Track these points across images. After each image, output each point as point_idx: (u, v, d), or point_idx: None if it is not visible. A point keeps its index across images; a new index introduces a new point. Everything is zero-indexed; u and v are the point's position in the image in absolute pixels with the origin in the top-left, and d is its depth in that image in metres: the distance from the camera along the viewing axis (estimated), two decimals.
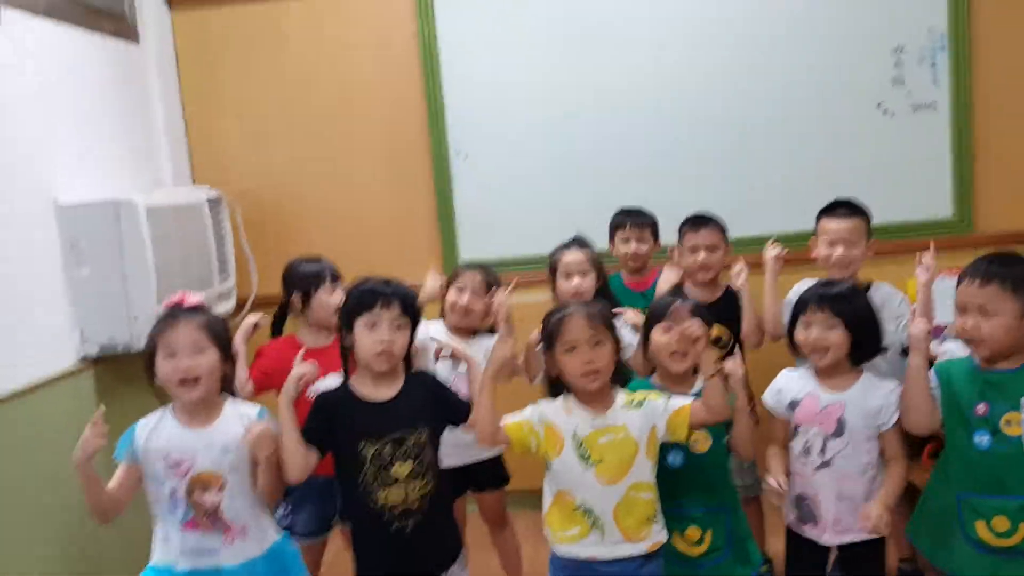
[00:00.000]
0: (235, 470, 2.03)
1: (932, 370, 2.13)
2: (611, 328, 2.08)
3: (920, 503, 2.16)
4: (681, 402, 2.05)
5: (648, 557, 2.04)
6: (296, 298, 2.71)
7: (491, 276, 2.74)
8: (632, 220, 3.04)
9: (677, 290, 2.78)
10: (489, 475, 2.78)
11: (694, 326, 2.11)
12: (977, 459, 1.99)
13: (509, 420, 2.07)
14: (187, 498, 2.00)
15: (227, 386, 2.10)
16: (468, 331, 2.74)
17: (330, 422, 2.09)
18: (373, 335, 2.07)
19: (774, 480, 2.17)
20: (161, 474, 2.00)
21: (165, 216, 2.90)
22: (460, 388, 2.62)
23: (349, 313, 2.11)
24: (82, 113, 2.97)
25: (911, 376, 2.10)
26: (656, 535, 2.04)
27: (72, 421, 2.65)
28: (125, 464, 2.02)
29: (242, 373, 2.57)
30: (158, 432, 2.01)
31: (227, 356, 2.06)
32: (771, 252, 2.76)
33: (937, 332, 2.80)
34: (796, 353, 2.28)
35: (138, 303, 2.74)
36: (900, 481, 2.16)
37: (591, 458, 2.02)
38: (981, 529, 1.98)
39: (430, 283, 2.84)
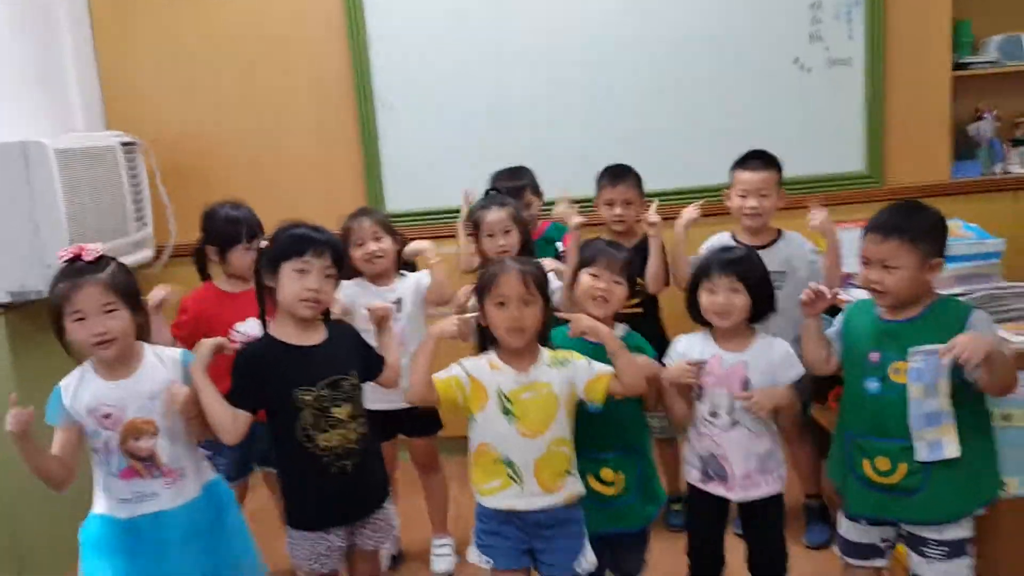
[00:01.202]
0: (166, 415, 2.01)
1: (841, 315, 2.22)
2: (543, 288, 2.11)
3: (831, 445, 2.25)
4: (602, 369, 2.10)
5: (575, 504, 2.11)
6: (212, 250, 2.66)
7: (378, 215, 2.75)
8: (511, 187, 3.04)
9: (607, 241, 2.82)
10: (421, 421, 2.80)
11: (618, 291, 2.20)
12: (866, 402, 2.08)
13: (436, 377, 2.10)
14: (120, 447, 1.97)
15: (142, 335, 2.05)
16: (386, 275, 2.75)
17: (257, 378, 2.06)
18: (302, 281, 2.05)
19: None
20: (93, 428, 1.97)
21: (76, 160, 2.82)
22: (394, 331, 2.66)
23: (276, 256, 2.07)
24: None
25: (807, 330, 2.21)
26: (571, 487, 2.10)
27: None
28: (61, 427, 1.97)
29: (164, 331, 2.52)
30: (83, 389, 1.97)
31: (137, 307, 2.01)
32: (690, 213, 2.81)
33: (845, 280, 2.92)
34: (697, 319, 2.33)
35: (51, 249, 2.63)
36: (789, 394, 2.25)
37: (514, 412, 2.06)
38: (866, 467, 2.08)
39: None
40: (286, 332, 2.10)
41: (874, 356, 2.07)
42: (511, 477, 2.06)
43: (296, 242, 2.07)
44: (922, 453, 2.00)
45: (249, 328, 2.50)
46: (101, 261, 1.98)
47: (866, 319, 2.14)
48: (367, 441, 2.15)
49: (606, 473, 2.20)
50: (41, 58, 3.18)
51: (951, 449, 1.99)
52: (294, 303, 2.07)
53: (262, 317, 2.17)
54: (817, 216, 2.69)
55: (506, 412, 2.06)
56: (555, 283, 2.55)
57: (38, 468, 1.91)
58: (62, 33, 3.34)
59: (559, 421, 2.07)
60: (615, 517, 2.22)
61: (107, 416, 1.96)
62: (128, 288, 1.99)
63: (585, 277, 2.25)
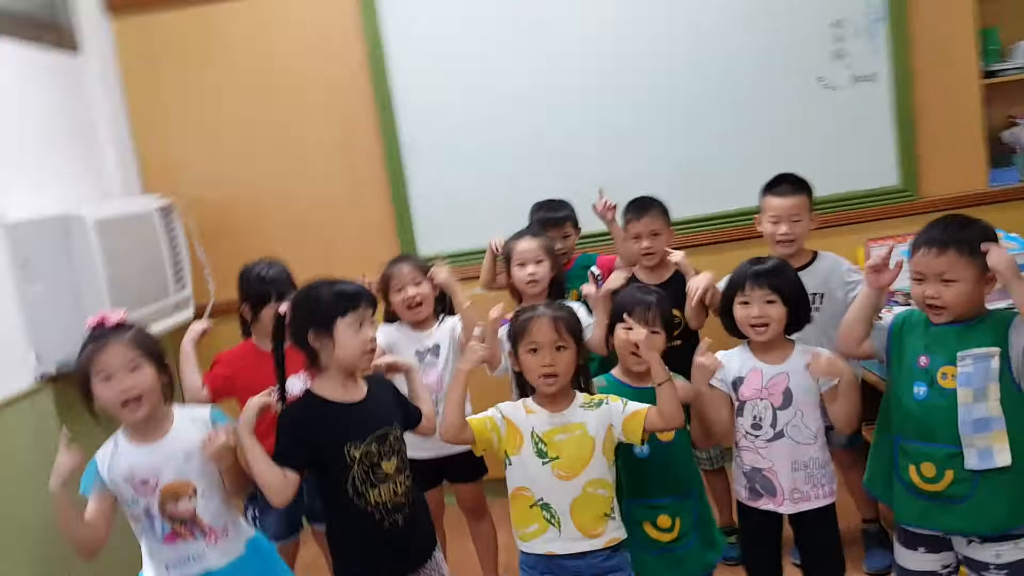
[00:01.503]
0: (203, 474, 2.02)
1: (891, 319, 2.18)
2: (576, 334, 2.11)
3: (870, 453, 2.22)
4: (638, 407, 2.08)
5: (613, 550, 2.08)
6: (245, 308, 2.69)
7: (417, 261, 2.79)
8: (552, 218, 3.07)
9: (637, 282, 2.81)
10: (466, 467, 2.80)
11: (656, 340, 2.17)
12: (914, 408, 2.04)
13: (472, 417, 2.10)
14: (162, 512, 1.99)
15: (168, 396, 2.07)
16: (427, 322, 2.77)
17: (305, 436, 2.06)
18: (361, 335, 2.06)
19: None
20: (131, 496, 1.99)
21: (115, 228, 2.87)
22: (430, 379, 2.69)
23: (329, 315, 2.05)
24: (25, 128, 2.92)
25: (859, 301, 2.17)
26: (612, 531, 2.07)
27: (33, 442, 2.64)
28: (96, 495, 1.99)
29: (195, 379, 2.56)
30: (117, 458, 1.99)
31: (162, 367, 2.03)
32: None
33: (887, 298, 2.87)
34: (733, 332, 2.32)
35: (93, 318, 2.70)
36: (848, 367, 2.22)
37: (548, 454, 2.05)
38: (912, 473, 2.04)
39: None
40: (329, 389, 2.10)
41: (923, 361, 2.04)
42: (548, 520, 2.05)
43: (349, 298, 2.07)
44: (972, 460, 1.95)
45: (290, 386, 2.51)
46: (123, 325, 2.02)
47: (918, 323, 2.10)
48: (414, 493, 2.16)
49: (663, 520, 2.19)
50: (76, 126, 3.27)
51: (1002, 457, 1.94)
52: (357, 357, 2.07)
53: (281, 381, 2.14)
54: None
55: (540, 454, 2.05)
56: (586, 319, 2.55)
57: (72, 531, 1.93)
58: (95, 100, 3.43)
59: (595, 462, 2.05)
60: (675, 564, 2.19)
61: (144, 482, 1.98)
62: (152, 346, 2.03)
63: (621, 333, 2.22)
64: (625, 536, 2.10)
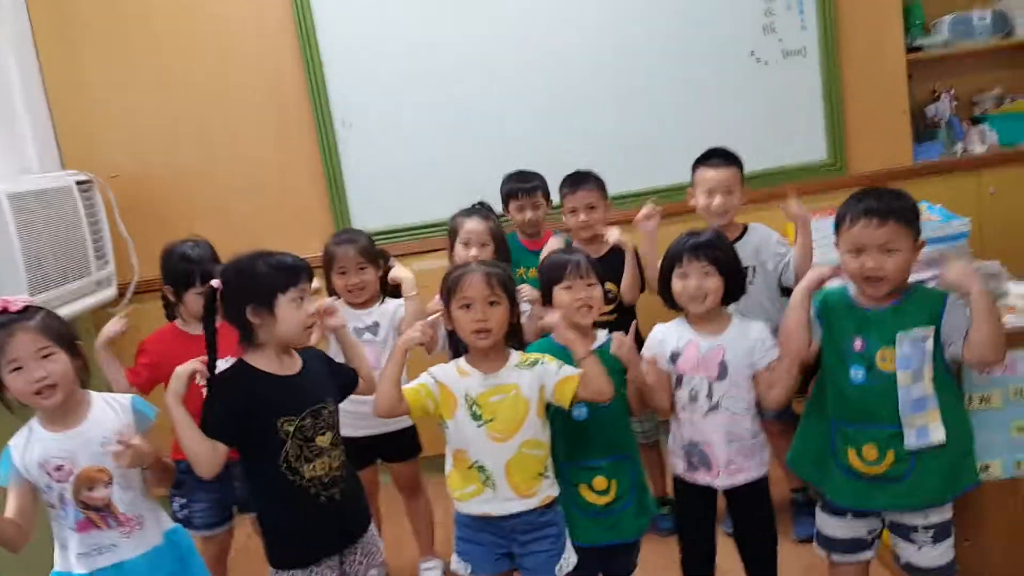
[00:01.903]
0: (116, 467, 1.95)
1: (813, 303, 2.20)
2: (509, 290, 2.10)
3: (798, 433, 2.24)
4: (571, 372, 2.08)
5: (551, 506, 2.10)
6: (168, 290, 2.59)
7: (363, 244, 2.71)
8: (523, 188, 3.05)
9: (567, 245, 2.81)
10: (401, 445, 2.79)
11: (593, 293, 2.20)
12: (852, 391, 2.07)
13: (405, 387, 2.08)
14: (74, 499, 1.92)
15: (84, 380, 1.99)
16: (367, 301, 2.73)
17: (236, 407, 1.99)
18: (302, 310, 2.01)
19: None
20: (45, 482, 1.91)
21: (31, 202, 2.76)
22: (368, 358, 2.62)
23: (270, 290, 1.98)
24: None
25: (794, 304, 2.15)
26: (546, 490, 2.09)
27: None
28: (14, 487, 1.92)
29: (120, 380, 2.47)
30: (31, 445, 1.92)
31: (75, 351, 1.95)
32: (642, 211, 2.75)
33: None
34: (671, 305, 2.34)
35: (8, 295, 2.55)
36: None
37: (483, 416, 2.05)
38: (852, 457, 2.07)
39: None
40: (265, 361, 2.03)
41: (858, 344, 2.06)
42: (483, 482, 2.06)
43: (289, 272, 2.01)
44: (911, 440, 1.99)
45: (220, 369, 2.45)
46: (29, 310, 1.93)
47: (843, 305, 2.12)
48: (347, 468, 2.13)
49: (599, 481, 2.19)
50: None
51: (937, 434, 1.99)
52: (299, 332, 2.03)
53: (212, 360, 2.05)
54: (794, 204, 2.66)
55: (475, 417, 2.05)
56: (524, 307, 2.54)
57: None
58: (10, 72, 3.28)
59: (530, 423, 2.06)
60: (608, 527, 2.20)
61: (59, 468, 1.91)
62: (62, 332, 1.94)
63: (560, 294, 2.22)
64: (558, 493, 2.12)
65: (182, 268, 2.53)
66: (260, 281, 1.98)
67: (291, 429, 1.99)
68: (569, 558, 2.12)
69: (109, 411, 1.99)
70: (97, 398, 2.00)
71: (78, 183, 3.12)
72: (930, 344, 1.97)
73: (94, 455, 1.93)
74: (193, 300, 2.51)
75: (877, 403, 2.03)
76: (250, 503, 2.50)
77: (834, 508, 2.15)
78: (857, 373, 2.06)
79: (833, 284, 2.26)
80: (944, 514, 2.05)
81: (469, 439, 2.06)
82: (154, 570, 2.00)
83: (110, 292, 3.27)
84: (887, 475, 2.03)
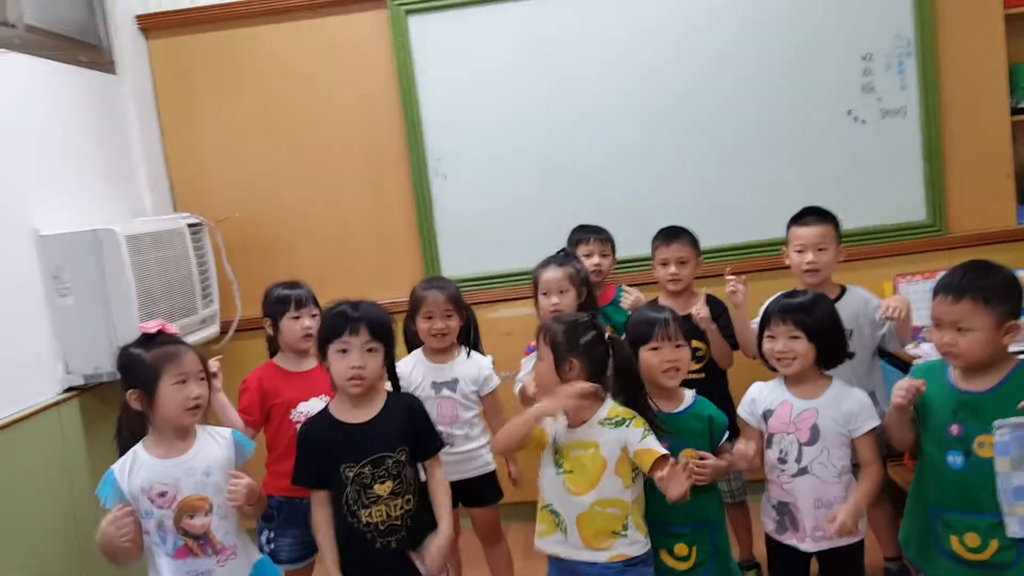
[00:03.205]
0: (220, 491, 2.04)
1: (909, 374, 2.15)
2: (554, 345, 2.10)
3: (905, 512, 2.18)
4: (651, 445, 2.05)
5: (628, 564, 2.07)
6: (267, 323, 2.73)
7: (451, 291, 2.73)
8: (594, 235, 3.08)
9: (653, 303, 2.81)
10: (482, 491, 2.79)
11: (684, 355, 2.21)
12: (950, 477, 2.01)
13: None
14: (175, 526, 2.00)
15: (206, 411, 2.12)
16: (446, 350, 2.75)
17: (310, 453, 2.13)
18: (344, 361, 2.11)
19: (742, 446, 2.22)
20: (147, 508, 2.00)
21: (145, 243, 2.92)
22: (444, 411, 2.67)
23: (322, 340, 2.15)
24: (62, 144, 2.98)
25: (891, 417, 2.13)
26: (622, 548, 2.07)
27: (57, 452, 2.67)
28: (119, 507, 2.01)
29: (236, 419, 2.57)
30: (136, 470, 2.01)
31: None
32: (728, 287, 2.74)
33: (914, 334, 2.84)
34: (769, 366, 2.31)
35: (121, 332, 2.74)
36: (873, 485, 2.19)
37: (563, 466, 2.08)
38: (955, 543, 2.01)
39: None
40: (341, 408, 2.16)
41: (955, 429, 2.01)
42: (556, 524, 2.09)
43: (333, 323, 2.13)
44: (1013, 528, 1.92)
45: (312, 408, 2.54)
46: (176, 338, 2.10)
47: (939, 386, 2.06)
48: (416, 518, 2.15)
49: (680, 548, 2.18)
50: (110, 145, 3.32)
51: None
52: (342, 382, 2.13)
53: None
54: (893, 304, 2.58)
55: (557, 464, 2.09)
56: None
57: (117, 551, 1.95)
58: (130, 119, 3.49)
59: (606, 482, 2.05)
60: None
61: (162, 494, 2.00)
62: (204, 363, 2.11)
63: (647, 355, 2.22)
64: (642, 553, 2.09)
65: (278, 297, 2.70)
66: (320, 331, 2.18)
67: (351, 475, 2.09)
68: None
69: (212, 443, 2.10)
70: (200, 430, 2.10)
71: (189, 226, 3.29)
72: None
73: (197, 484, 2.02)
74: (287, 326, 2.65)
75: (977, 490, 1.97)
76: None
77: None
78: (955, 459, 2.01)
79: (932, 356, 2.21)
80: None
81: (548, 482, 2.10)
82: None
83: (214, 329, 3.41)
84: (993, 563, 1.96)
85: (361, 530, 2.09)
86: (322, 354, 2.16)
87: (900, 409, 2.06)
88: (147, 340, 2.06)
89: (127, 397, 2.03)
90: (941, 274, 2.09)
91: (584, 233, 3.11)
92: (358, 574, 2.13)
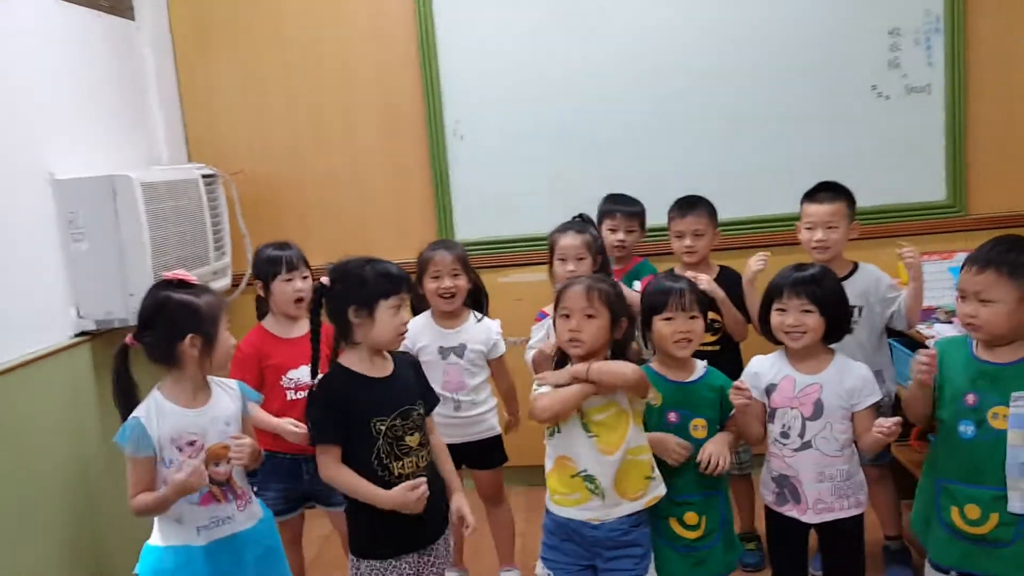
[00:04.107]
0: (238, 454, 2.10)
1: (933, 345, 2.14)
2: (611, 305, 2.11)
3: (916, 494, 2.19)
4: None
5: (633, 524, 2.11)
6: (258, 285, 2.70)
7: (459, 251, 2.74)
8: (620, 210, 3.05)
9: (670, 272, 2.80)
10: (487, 453, 2.82)
11: (697, 326, 2.20)
12: (960, 446, 2.01)
13: (542, 390, 2.12)
14: None
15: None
16: (454, 314, 2.75)
17: (334, 408, 2.09)
18: (398, 317, 2.11)
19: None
20: (173, 458, 2.02)
21: (160, 192, 2.92)
22: (451, 377, 2.69)
23: (373, 295, 2.08)
24: (79, 89, 2.97)
25: (912, 393, 2.13)
26: (653, 491, 2.13)
27: (68, 396, 2.69)
28: (147, 459, 2.01)
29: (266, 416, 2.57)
30: (162, 418, 2.03)
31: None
32: (755, 265, 2.73)
33: (927, 315, 2.83)
34: (771, 339, 2.30)
35: (134, 279, 2.75)
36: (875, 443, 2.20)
37: (591, 430, 2.09)
38: (955, 515, 2.01)
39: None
40: (358, 363, 2.14)
41: (970, 398, 2.00)
42: (591, 491, 2.09)
43: (393, 280, 2.10)
44: (1015, 504, 1.92)
45: (302, 375, 2.55)
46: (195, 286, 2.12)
47: (960, 357, 2.06)
48: (433, 469, 2.19)
49: (690, 517, 2.20)
50: (127, 92, 3.32)
51: None
52: (393, 339, 2.12)
53: (315, 356, 2.18)
54: (908, 251, 2.58)
55: (586, 428, 2.09)
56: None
57: (165, 504, 2.00)
58: (147, 67, 3.48)
59: (632, 433, 2.10)
60: (696, 563, 2.20)
61: (191, 443, 2.03)
62: None
63: (660, 324, 2.22)
64: (664, 492, 2.14)
65: (269, 258, 2.65)
66: (366, 285, 2.09)
67: (383, 428, 2.08)
68: None
69: (224, 394, 2.14)
70: (212, 381, 2.13)
71: (203, 176, 3.29)
72: None
73: (220, 432, 2.07)
74: (280, 289, 2.63)
75: (984, 461, 1.97)
76: (320, 496, 2.64)
77: (938, 567, 2.08)
78: (967, 429, 2.00)
79: (946, 331, 2.20)
80: None
81: (578, 450, 2.09)
82: (259, 541, 2.14)
83: (225, 282, 3.42)
84: (990, 538, 1.96)
85: (393, 482, 2.09)
86: (366, 307, 2.09)
87: (923, 385, 2.06)
88: (172, 286, 2.06)
89: (187, 342, 2.01)
90: (959, 255, 2.07)
91: (613, 206, 3.08)
92: (387, 527, 2.12)
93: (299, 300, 2.63)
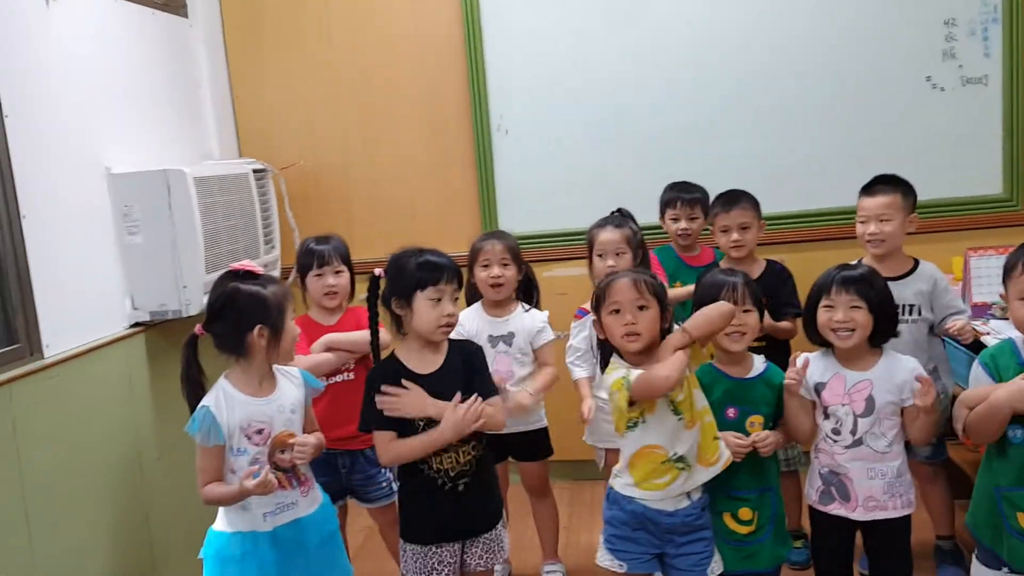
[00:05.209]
0: (299, 428, 2.16)
1: (979, 363, 2.09)
2: (658, 295, 2.12)
3: (973, 494, 2.14)
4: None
5: (702, 509, 2.15)
6: (298, 279, 2.78)
7: (509, 241, 2.75)
8: (682, 198, 3.04)
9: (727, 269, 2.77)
10: (534, 446, 2.82)
11: (752, 320, 2.20)
12: (1011, 453, 1.98)
13: (614, 375, 2.09)
14: (268, 461, 2.08)
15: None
16: (503, 304, 2.76)
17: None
18: (438, 308, 2.11)
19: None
20: (241, 446, 2.07)
21: (212, 186, 2.97)
22: (500, 367, 2.69)
23: (411, 285, 2.11)
24: (134, 85, 3.04)
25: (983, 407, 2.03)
26: (724, 452, 2.14)
27: (123, 386, 2.76)
28: (215, 447, 2.05)
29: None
30: (231, 408, 2.06)
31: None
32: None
33: (982, 311, 2.76)
34: (816, 340, 2.27)
35: (188, 271, 2.81)
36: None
37: (679, 411, 2.09)
38: (1021, 520, 1.97)
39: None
40: (409, 356, 2.17)
41: None
42: (681, 469, 2.10)
43: (431, 271, 2.11)
44: None
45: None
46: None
47: (1010, 363, 2.02)
48: (482, 464, 2.19)
49: (744, 512, 2.20)
50: (181, 88, 3.38)
51: None
52: (433, 330, 2.13)
53: (375, 347, 2.25)
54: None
55: (676, 413, 2.09)
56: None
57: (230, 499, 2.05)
58: (200, 64, 3.55)
59: (697, 397, 2.12)
60: (746, 556, 2.20)
61: (259, 431, 2.08)
62: None
63: None
64: (729, 455, 2.15)
65: (307, 257, 2.72)
66: (403, 277, 2.12)
67: (422, 423, 2.11)
68: (718, 563, 2.16)
69: (288, 382, 2.18)
70: (276, 369, 2.17)
71: (254, 171, 3.34)
72: None
73: (286, 420, 2.12)
74: (311, 283, 2.71)
75: None
76: (357, 492, 2.72)
77: (988, 559, 2.05)
78: (1015, 433, 1.97)
79: (1000, 334, 2.15)
80: None
81: (671, 434, 2.09)
82: (321, 525, 2.19)
83: (274, 274, 3.44)
84: None
85: (431, 476, 2.13)
86: (403, 301, 2.12)
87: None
88: (240, 277, 2.10)
89: (256, 332, 2.04)
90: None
91: (673, 194, 3.07)
92: (425, 515, 2.17)
93: (329, 294, 2.68)
